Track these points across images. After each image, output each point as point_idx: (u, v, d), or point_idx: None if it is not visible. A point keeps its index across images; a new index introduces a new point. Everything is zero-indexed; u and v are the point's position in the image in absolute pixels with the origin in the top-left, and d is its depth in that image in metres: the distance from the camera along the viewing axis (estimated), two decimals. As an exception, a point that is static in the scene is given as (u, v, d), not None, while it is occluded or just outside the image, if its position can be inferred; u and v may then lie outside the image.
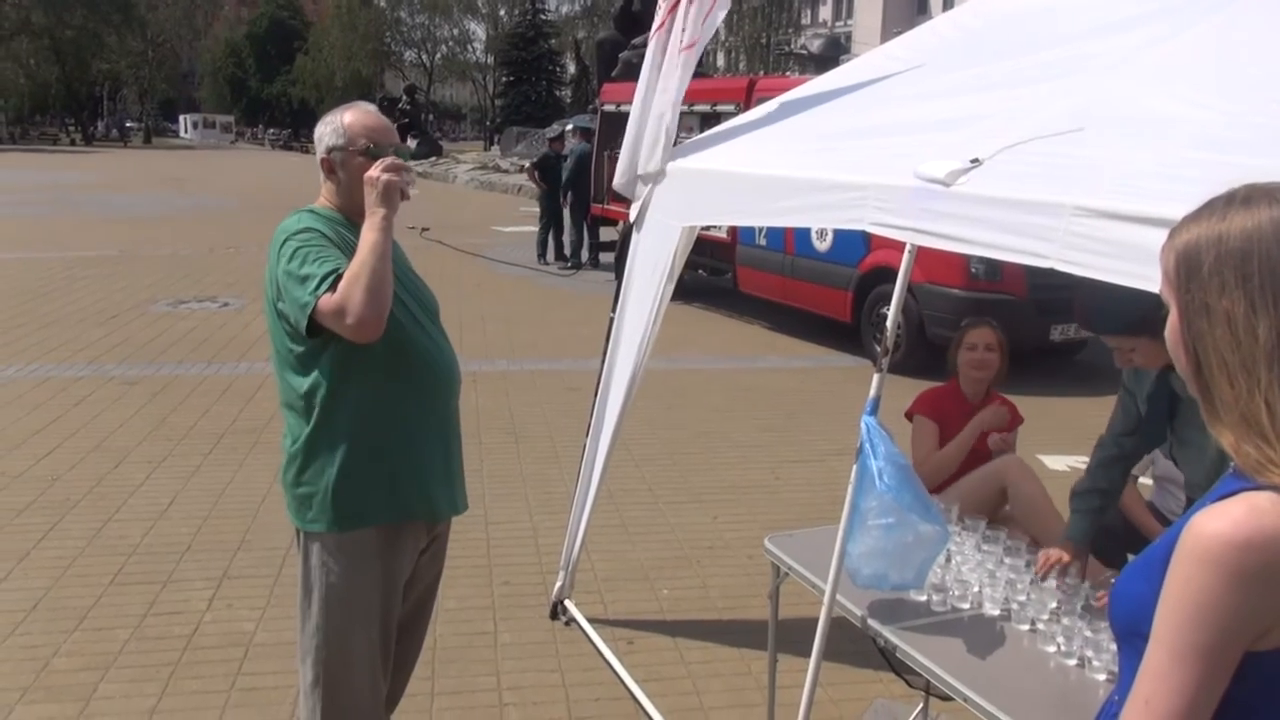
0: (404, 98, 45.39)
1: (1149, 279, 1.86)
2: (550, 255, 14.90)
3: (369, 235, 2.45)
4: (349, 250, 2.52)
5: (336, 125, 2.60)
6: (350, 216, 2.62)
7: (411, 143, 36.77)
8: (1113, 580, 1.45)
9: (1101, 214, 1.92)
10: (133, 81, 73.52)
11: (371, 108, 2.70)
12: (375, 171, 2.49)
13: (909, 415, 3.84)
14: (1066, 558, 2.84)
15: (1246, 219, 1.14)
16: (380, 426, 2.57)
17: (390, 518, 2.62)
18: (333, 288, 2.39)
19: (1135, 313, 2.63)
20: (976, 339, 3.76)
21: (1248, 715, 1.15)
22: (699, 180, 3.44)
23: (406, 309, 2.60)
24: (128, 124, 77.17)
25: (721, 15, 3.60)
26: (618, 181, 3.84)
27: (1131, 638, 1.25)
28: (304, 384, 2.54)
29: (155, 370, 8.20)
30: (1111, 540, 3.86)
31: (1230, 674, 1.11)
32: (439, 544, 2.86)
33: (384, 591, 2.65)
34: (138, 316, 10.33)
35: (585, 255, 14.58)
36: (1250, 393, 1.12)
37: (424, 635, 3.00)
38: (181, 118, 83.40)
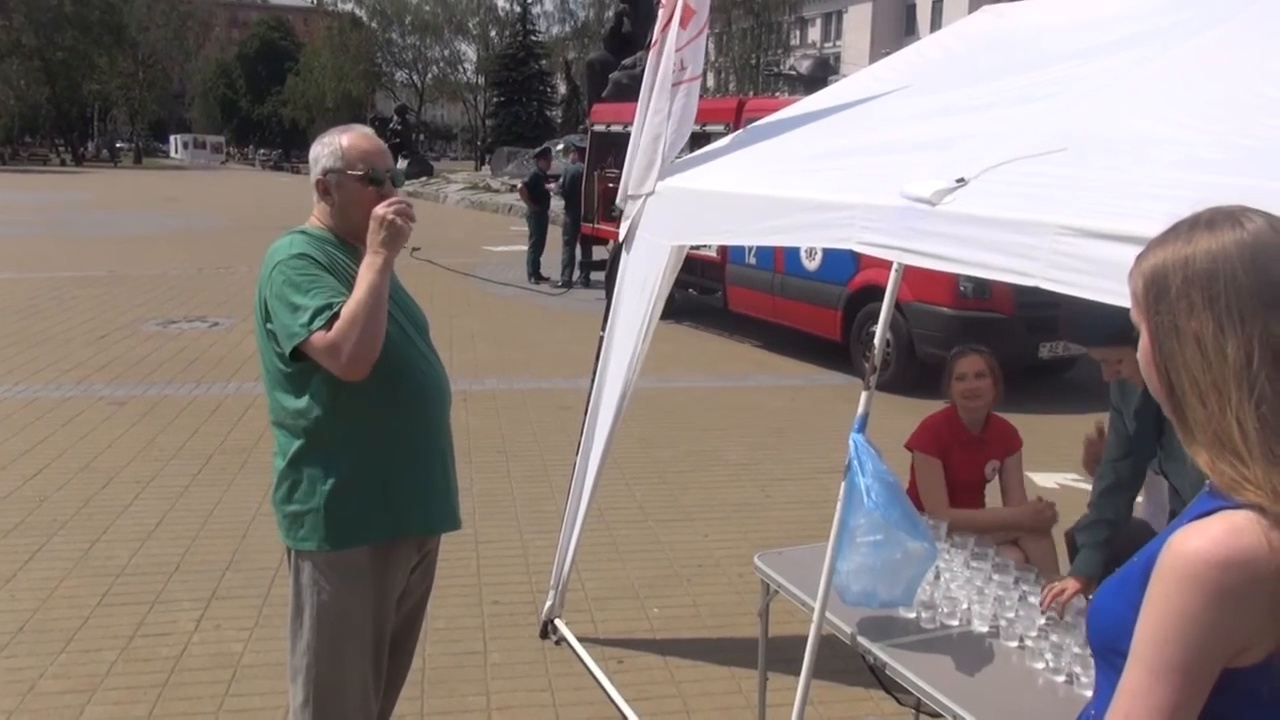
0: (395, 118, 45.56)
1: (1133, 297, 1.88)
2: (545, 272, 14.91)
3: (369, 276, 2.45)
4: (340, 272, 2.53)
5: (335, 148, 2.60)
6: (342, 237, 2.63)
7: (402, 163, 36.85)
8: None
9: (1085, 233, 1.94)
10: (123, 102, 73.50)
11: (369, 131, 2.71)
12: (385, 211, 2.49)
13: (909, 447, 3.77)
14: (1071, 590, 2.83)
15: (1211, 241, 1.17)
16: (373, 444, 2.57)
17: (384, 536, 2.62)
18: (327, 325, 2.40)
19: (1121, 324, 2.64)
20: (965, 368, 3.69)
21: None
22: (688, 200, 3.46)
23: (399, 325, 2.60)
24: (118, 144, 77.14)
25: (703, 44, 3.64)
26: (620, 200, 3.87)
27: (1109, 654, 1.26)
28: (296, 402, 2.54)
29: (144, 390, 8.18)
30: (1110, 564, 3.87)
31: (1208, 691, 1.12)
32: (429, 560, 2.86)
33: (376, 610, 2.65)
34: (127, 336, 10.31)
35: (576, 274, 14.60)
36: (1222, 411, 1.14)
37: (413, 652, 3.00)
38: (172, 138, 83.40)
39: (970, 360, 3.70)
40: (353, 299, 2.43)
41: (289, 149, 74.44)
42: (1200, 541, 1.12)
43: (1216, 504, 1.16)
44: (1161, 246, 1.22)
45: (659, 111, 3.61)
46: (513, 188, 26.90)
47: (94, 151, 74.35)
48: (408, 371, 2.61)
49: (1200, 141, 2.13)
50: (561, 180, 15.02)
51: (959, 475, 3.73)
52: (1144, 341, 1.24)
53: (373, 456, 2.57)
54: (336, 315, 2.41)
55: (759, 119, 4.03)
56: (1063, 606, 2.77)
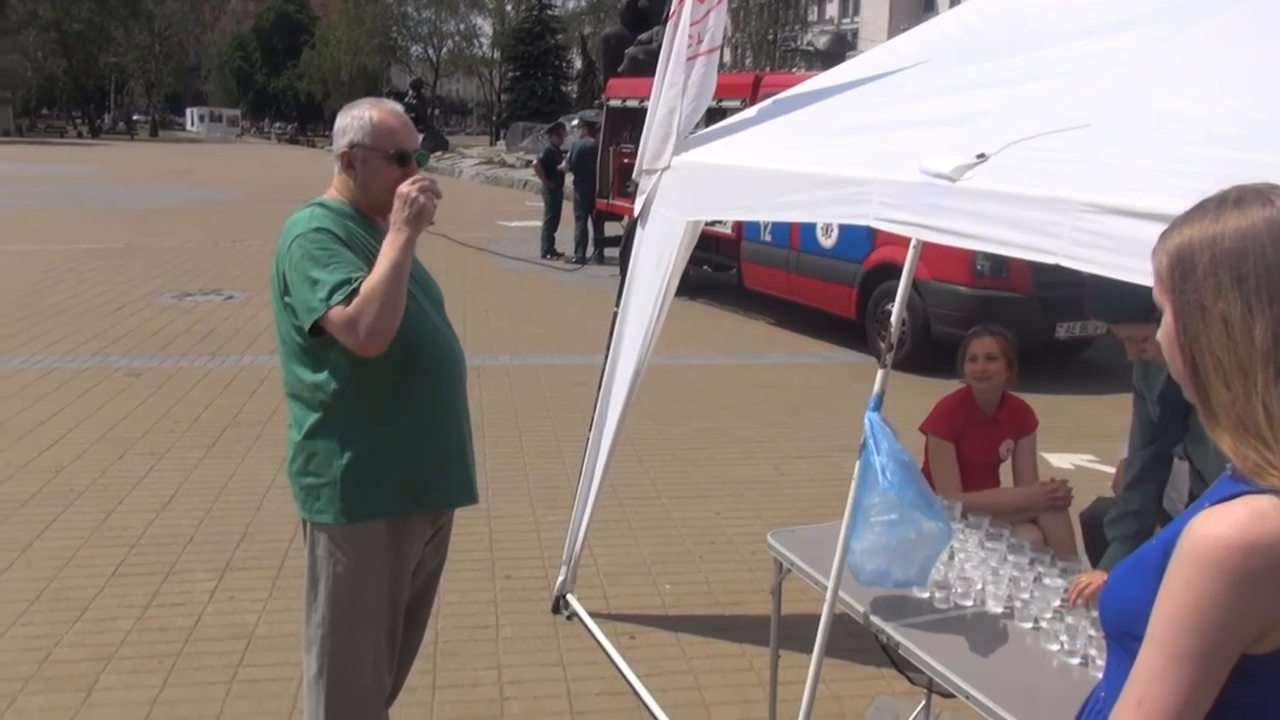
0: (410, 92, 45.35)
1: (1155, 276, 1.85)
2: (559, 248, 14.88)
3: (391, 254, 2.44)
4: (359, 247, 2.52)
5: (364, 122, 2.58)
6: (362, 211, 2.62)
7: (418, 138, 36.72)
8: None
9: (1108, 210, 1.91)
10: (139, 75, 73.53)
11: (398, 108, 2.68)
12: (410, 190, 2.47)
13: (923, 430, 3.74)
14: (1097, 584, 2.77)
15: (1240, 219, 1.14)
16: (390, 417, 2.57)
17: (400, 510, 2.62)
18: (346, 300, 2.39)
19: (1147, 301, 2.60)
20: (977, 349, 3.66)
21: (1240, 716, 1.13)
22: (703, 175, 3.43)
23: (415, 300, 2.59)
24: (134, 117, 77.26)
25: (722, 15, 3.60)
26: (636, 175, 3.84)
27: (1123, 637, 1.24)
28: (313, 376, 2.53)
29: (159, 362, 8.21)
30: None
31: (1224, 677, 1.10)
32: (443, 533, 2.86)
33: (391, 583, 2.65)
34: (143, 308, 10.35)
35: (590, 250, 14.56)
36: (1247, 395, 1.11)
37: (426, 624, 3.00)
38: (188, 111, 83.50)
39: (983, 342, 3.67)
40: (374, 275, 2.42)
41: (304, 123, 74.37)
42: (1222, 526, 1.09)
43: (1239, 488, 1.13)
44: (1188, 224, 1.19)
45: (674, 85, 3.58)
46: (528, 163, 26.83)
47: (110, 124, 74.49)
48: (424, 345, 2.61)
49: (1220, 117, 2.09)
50: (569, 155, 14.91)
51: (973, 456, 3.71)
52: (1167, 321, 1.21)
53: (389, 430, 2.57)
54: (355, 291, 2.40)
55: (776, 95, 3.98)
56: (1088, 600, 2.72)
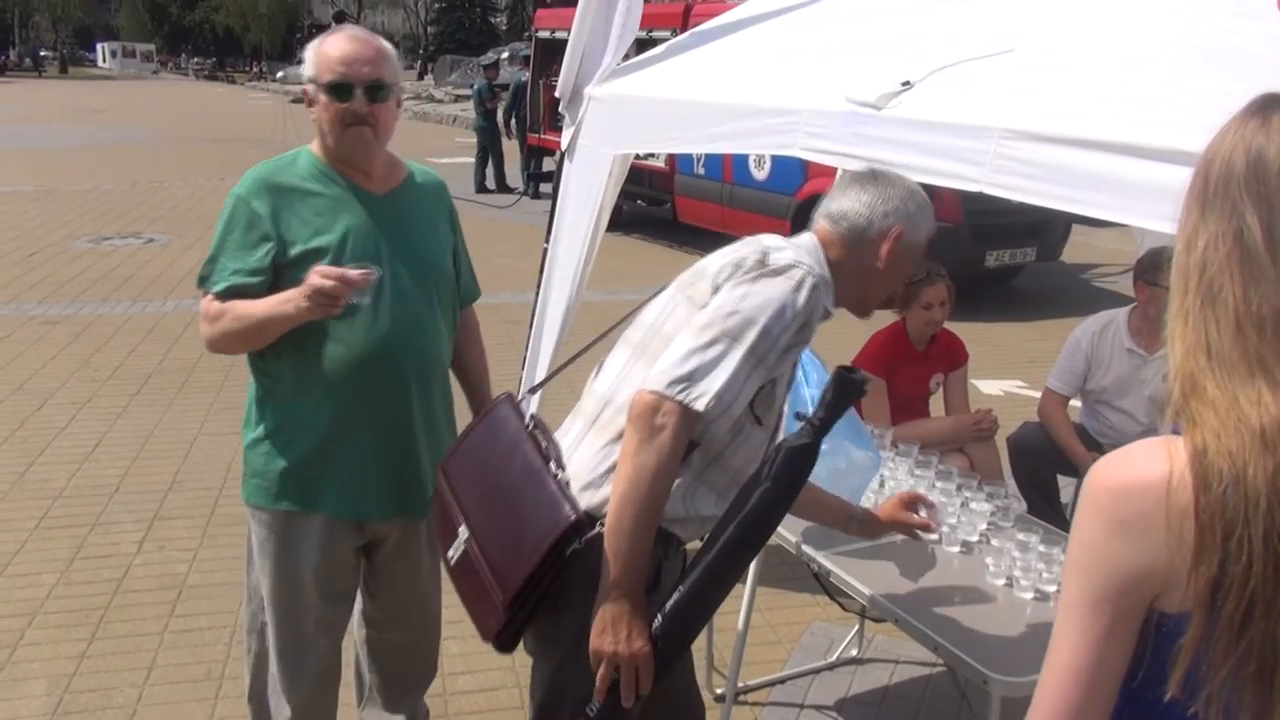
0: (332, 25, 44.02)
1: (1079, 201, 1.85)
2: (492, 183, 14.69)
3: (273, 310, 2.17)
4: (306, 215, 2.25)
5: (314, 52, 2.24)
6: (335, 165, 2.30)
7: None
8: None
9: (1031, 136, 1.90)
10: (45, 8, 70.30)
11: (360, 33, 2.30)
12: (317, 280, 2.09)
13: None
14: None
15: (1226, 131, 1.05)
16: (304, 404, 2.32)
17: (292, 505, 2.35)
18: (216, 293, 2.24)
19: None
20: (932, 298, 3.62)
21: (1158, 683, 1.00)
22: (630, 106, 3.36)
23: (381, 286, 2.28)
24: (41, 53, 73.92)
25: None
26: (562, 107, 3.73)
27: None
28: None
29: (77, 310, 7.95)
30: (1040, 460, 3.94)
31: (1128, 631, 1.01)
32: (401, 544, 2.50)
33: (280, 580, 2.39)
34: (58, 254, 9.98)
35: (525, 186, 14.37)
36: (1180, 305, 1.03)
37: (431, 639, 2.68)
38: (99, 46, 79.97)
39: (936, 290, 3.63)
40: (246, 312, 2.20)
41: (223, 57, 71.89)
42: (1109, 468, 1.02)
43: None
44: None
45: (597, 13, 3.48)
46: (457, 98, 26.28)
47: (16, 60, 71.22)
48: (356, 349, 2.28)
49: (1153, 42, 2.09)
50: (511, 90, 14.72)
51: (904, 389, 3.74)
52: None
53: (302, 416, 2.32)
54: (225, 292, 2.23)
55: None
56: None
